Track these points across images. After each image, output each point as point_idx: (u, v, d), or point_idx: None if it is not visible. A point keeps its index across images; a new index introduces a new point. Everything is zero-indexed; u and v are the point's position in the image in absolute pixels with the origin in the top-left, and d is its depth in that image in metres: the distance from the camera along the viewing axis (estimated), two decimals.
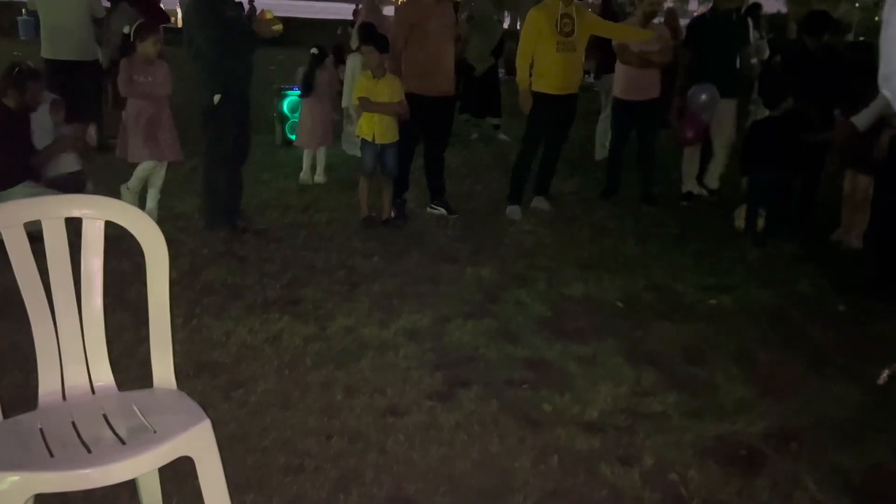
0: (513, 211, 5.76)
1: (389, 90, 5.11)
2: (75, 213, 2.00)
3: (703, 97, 5.83)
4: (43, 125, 4.90)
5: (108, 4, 7.61)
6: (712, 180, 6.45)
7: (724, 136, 6.28)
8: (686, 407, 3.07)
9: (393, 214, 5.42)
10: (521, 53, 5.61)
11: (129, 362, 2.93)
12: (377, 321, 3.74)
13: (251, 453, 2.61)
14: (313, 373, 3.21)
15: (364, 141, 5.25)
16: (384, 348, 3.45)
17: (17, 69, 4.58)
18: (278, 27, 4.77)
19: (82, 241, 2.02)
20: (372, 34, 5.50)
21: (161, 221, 5.11)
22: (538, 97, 5.57)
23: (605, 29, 6.06)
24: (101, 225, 2.03)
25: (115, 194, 5.53)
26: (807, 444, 2.85)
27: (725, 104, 6.07)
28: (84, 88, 6.62)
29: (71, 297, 1.99)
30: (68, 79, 6.45)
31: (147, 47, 5.10)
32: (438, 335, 3.63)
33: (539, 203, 5.92)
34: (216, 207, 4.99)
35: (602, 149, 7.49)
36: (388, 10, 8.13)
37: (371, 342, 3.52)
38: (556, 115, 5.68)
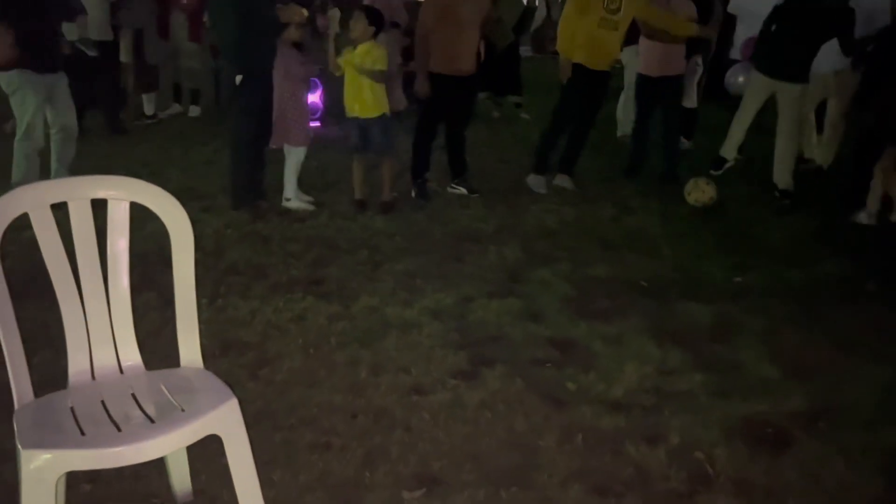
0: (536, 181, 5.71)
1: (371, 58, 4.93)
2: (101, 195, 2.02)
3: (741, 79, 5.59)
4: None
5: None
6: (783, 180, 5.65)
7: (782, 127, 5.59)
8: (712, 386, 3.04)
9: (413, 195, 5.40)
10: (564, 20, 5.56)
11: (156, 342, 2.95)
12: (401, 301, 3.74)
13: (278, 431, 2.64)
14: (338, 351, 3.22)
15: (348, 118, 5.08)
16: (408, 327, 3.45)
17: None
18: (304, 13, 4.75)
19: (108, 221, 2.03)
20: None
21: (185, 202, 5.19)
22: (574, 68, 5.53)
23: (653, 16, 5.78)
24: (127, 206, 2.04)
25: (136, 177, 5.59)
26: (835, 425, 2.82)
27: (787, 89, 5.47)
28: (98, 68, 6.60)
29: (98, 278, 2.01)
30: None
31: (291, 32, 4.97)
32: (462, 314, 3.63)
33: (562, 181, 5.87)
34: (241, 187, 5.01)
35: (623, 126, 7.40)
36: None
37: (395, 321, 3.52)
38: (587, 88, 5.61)
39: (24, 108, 4.81)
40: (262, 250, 4.40)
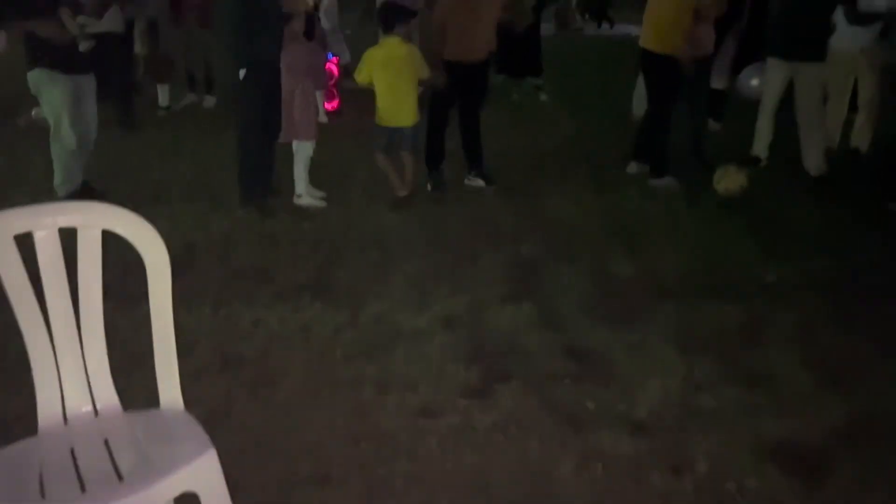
0: (670, 183, 5.41)
1: (417, 62, 4.79)
2: (69, 223, 1.85)
3: (754, 83, 5.41)
4: None
5: None
6: (815, 166, 5.52)
7: (804, 108, 5.44)
8: (742, 402, 2.83)
9: (429, 187, 5.21)
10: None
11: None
12: (411, 307, 3.56)
13: (275, 459, 2.48)
14: (343, 366, 3.06)
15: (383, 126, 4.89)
16: (418, 338, 3.27)
17: None
18: (308, 1, 4.55)
19: (78, 251, 1.87)
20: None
21: (195, 198, 5.13)
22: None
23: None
24: (98, 233, 1.87)
25: (155, 170, 5.46)
26: (877, 441, 2.60)
27: (806, 68, 5.37)
28: (111, 59, 6.46)
29: (69, 313, 1.85)
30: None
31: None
32: (475, 322, 3.44)
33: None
34: (248, 184, 4.85)
35: (640, 105, 7.08)
36: None
37: (404, 330, 3.35)
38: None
39: (51, 107, 4.68)
40: (270, 252, 4.25)
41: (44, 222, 1.83)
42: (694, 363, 3.09)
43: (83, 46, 4.48)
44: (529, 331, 3.36)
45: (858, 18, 5.38)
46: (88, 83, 4.82)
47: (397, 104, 4.78)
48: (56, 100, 4.64)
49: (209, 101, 8.03)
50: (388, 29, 4.73)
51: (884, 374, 3.05)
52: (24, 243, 1.79)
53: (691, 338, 3.31)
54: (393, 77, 4.71)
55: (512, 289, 3.78)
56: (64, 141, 4.72)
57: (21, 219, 1.82)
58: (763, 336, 3.35)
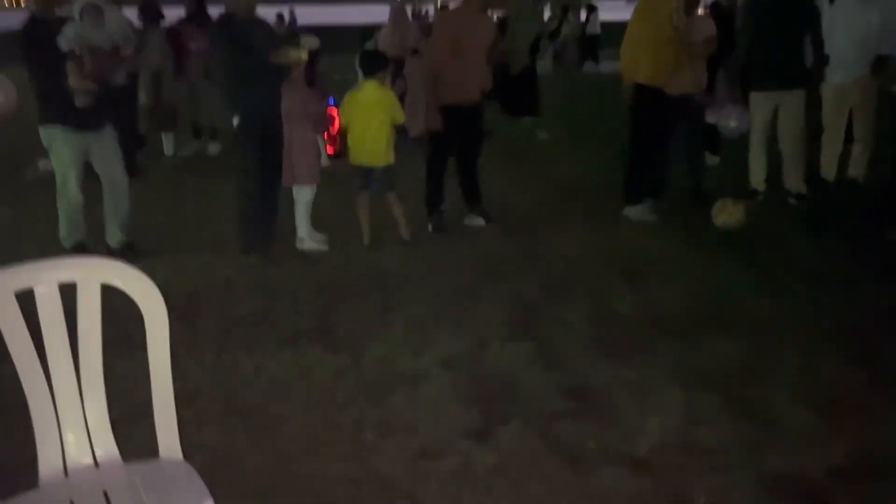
0: (637, 211, 5.50)
1: (394, 108, 4.93)
2: (68, 278, 1.90)
3: (733, 125, 5.53)
4: None
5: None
6: (795, 185, 5.76)
7: (790, 134, 5.68)
8: (744, 438, 2.82)
9: (430, 229, 5.26)
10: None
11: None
12: (411, 349, 3.58)
13: None
14: (344, 410, 3.07)
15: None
16: (418, 380, 3.29)
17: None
18: (299, 54, 4.64)
19: (78, 305, 1.91)
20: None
21: (199, 246, 5.18)
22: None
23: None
24: (97, 287, 1.91)
25: (161, 219, 5.52)
26: (880, 478, 2.58)
27: (790, 97, 5.58)
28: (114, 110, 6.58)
29: (69, 366, 1.88)
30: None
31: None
32: (475, 362, 3.46)
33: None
34: (248, 231, 4.91)
35: None
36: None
37: (405, 373, 3.36)
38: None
39: (58, 163, 4.71)
40: (272, 297, 4.28)
41: (44, 278, 1.87)
42: (694, 399, 3.09)
43: (80, 102, 4.53)
44: (530, 370, 3.37)
45: (821, 45, 5.59)
46: (102, 139, 4.77)
47: (368, 144, 4.91)
48: (65, 157, 4.66)
49: (213, 147, 8.14)
50: (368, 74, 4.91)
51: (887, 410, 3.04)
52: (26, 297, 1.84)
53: (691, 374, 3.31)
54: (366, 118, 4.87)
55: (512, 328, 3.80)
56: (70, 197, 4.74)
57: (22, 275, 1.87)
58: (763, 371, 3.35)
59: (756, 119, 5.75)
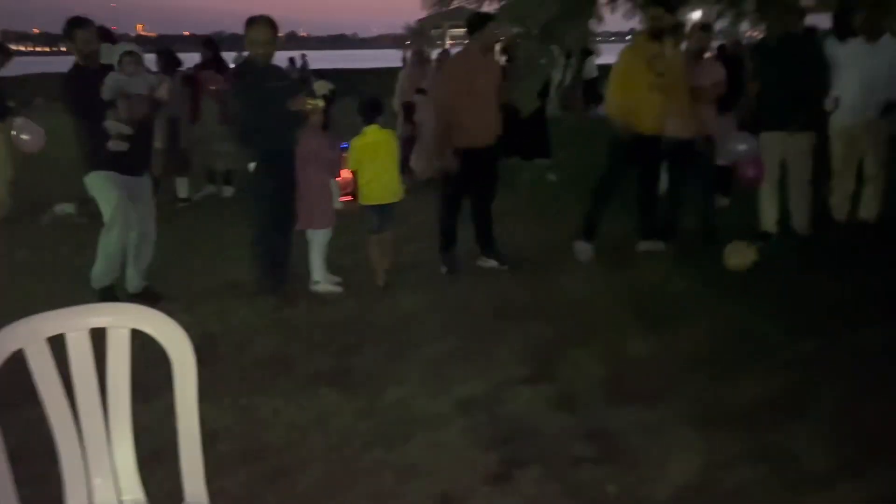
0: (582, 249, 5.58)
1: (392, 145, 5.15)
2: (99, 323, 1.93)
3: (740, 148, 5.59)
4: None
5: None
6: (800, 226, 5.87)
7: (797, 176, 5.74)
8: (764, 481, 2.80)
9: (443, 270, 5.30)
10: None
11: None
12: (429, 392, 3.58)
13: None
14: (362, 456, 3.06)
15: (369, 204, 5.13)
16: (436, 424, 3.28)
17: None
18: (316, 103, 4.76)
19: (107, 350, 1.93)
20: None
21: (215, 289, 5.23)
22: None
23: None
24: (127, 333, 1.94)
25: (170, 267, 5.58)
26: None
27: (797, 140, 5.65)
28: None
29: (97, 409, 1.90)
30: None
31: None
32: (493, 405, 3.45)
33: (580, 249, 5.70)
34: (264, 272, 4.96)
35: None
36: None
37: (422, 417, 3.36)
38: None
39: (107, 202, 4.68)
40: (288, 340, 4.30)
41: (76, 324, 1.91)
42: (715, 442, 3.07)
43: (113, 146, 4.60)
44: (548, 413, 3.36)
45: (826, 88, 5.66)
46: (143, 183, 4.85)
47: (384, 182, 5.07)
48: (113, 201, 4.65)
49: (227, 191, 8.25)
50: (369, 121, 5.09)
51: None
52: (56, 340, 1.87)
53: (711, 416, 3.30)
54: (377, 158, 5.04)
55: (529, 370, 3.80)
56: (113, 239, 4.72)
57: (54, 321, 1.91)
58: (782, 413, 3.33)
59: (767, 161, 5.79)
